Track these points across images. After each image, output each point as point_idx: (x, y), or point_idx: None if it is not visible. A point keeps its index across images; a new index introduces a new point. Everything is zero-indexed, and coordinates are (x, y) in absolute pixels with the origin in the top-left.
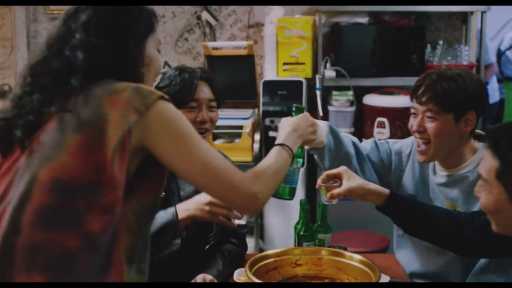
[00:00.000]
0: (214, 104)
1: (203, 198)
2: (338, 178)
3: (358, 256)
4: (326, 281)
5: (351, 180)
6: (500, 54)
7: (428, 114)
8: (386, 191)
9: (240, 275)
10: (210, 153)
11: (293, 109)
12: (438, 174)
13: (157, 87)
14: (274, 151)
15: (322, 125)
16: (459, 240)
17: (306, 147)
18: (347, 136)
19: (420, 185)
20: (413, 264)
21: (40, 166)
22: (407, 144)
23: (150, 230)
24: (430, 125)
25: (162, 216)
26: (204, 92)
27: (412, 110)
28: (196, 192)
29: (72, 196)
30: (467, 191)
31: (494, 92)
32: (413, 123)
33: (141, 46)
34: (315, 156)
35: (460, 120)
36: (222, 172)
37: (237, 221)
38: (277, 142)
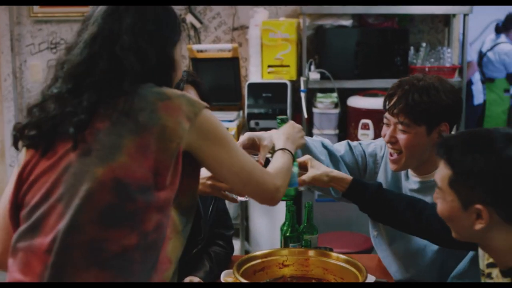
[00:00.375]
0: None
1: (204, 172)
2: (303, 166)
3: (344, 257)
4: (313, 281)
5: (315, 167)
6: (481, 55)
7: (400, 126)
8: (349, 177)
9: (227, 276)
10: (245, 156)
11: (278, 121)
12: (411, 180)
13: None
14: (279, 155)
15: None
16: (420, 226)
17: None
18: (316, 141)
19: (392, 188)
20: (390, 267)
21: (100, 165)
22: (381, 146)
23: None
24: (401, 137)
25: None
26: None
27: (385, 120)
28: None
29: (132, 196)
30: None
31: (478, 94)
32: (385, 132)
33: (174, 52)
34: None
35: (432, 132)
36: (254, 173)
37: (239, 198)
38: (277, 147)
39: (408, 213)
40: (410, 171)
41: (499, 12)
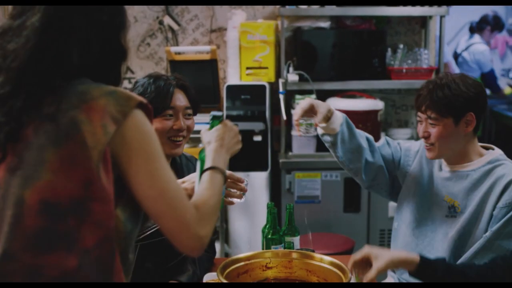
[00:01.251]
0: (190, 111)
1: (191, 177)
2: (367, 261)
3: (328, 258)
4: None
5: (379, 259)
6: (456, 56)
7: (430, 121)
8: (416, 258)
9: (210, 279)
10: (171, 182)
11: (210, 118)
12: (443, 170)
13: None
14: (208, 178)
15: (338, 114)
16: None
17: (320, 131)
18: (361, 131)
19: (425, 178)
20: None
21: (25, 187)
22: (416, 144)
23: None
24: (432, 130)
25: None
26: (180, 99)
27: (418, 118)
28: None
29: (62, 216)
30: (467, 188)
31: None
32: (419, 129)
33: (123, 38)
34: (326, 145)
35: (459, 122)
36: (175, 206)
37: (236, 200)
38: (207, 165)
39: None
40: (443, 162)
41: (473, 14)
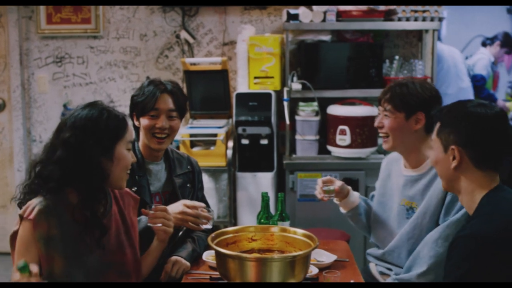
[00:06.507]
0: (174, 114)
1: (176, 208)
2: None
3: (300, 230)
4: (277, 253)
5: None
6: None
7: (385, 113)
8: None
9: (208, 256)
10: None
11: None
12: (401, 174)
13: (131, 97)
14: None
15: (355, 194)
16: None
17: (343, 211)
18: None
19: (388, 186)
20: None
21: None
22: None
23: None
24: (386, 122)
25: (143, 221)
26: (165, 102)
27: (377, 112)
28: (164, 187)
29: None
30: (423, 189)
31: None
32: (376, 120)
33: (110, 150)
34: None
35: (410, 118)
36: None
37: (204, 226)
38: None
39: None
40: (402, 168)
41: (481, 29)
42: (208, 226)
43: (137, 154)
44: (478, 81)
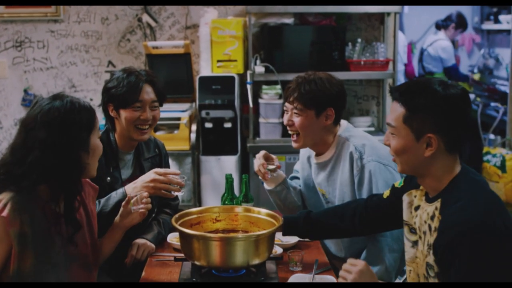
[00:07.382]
0: (156, 104)
1: (147, 177)
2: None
3: (264, 210)
4: (241, 233)
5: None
6: (422, 51)
7: (295, 111)
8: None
9: (172, 237)
10: None
11: None
12: (312, 164)
13: (106, 87)
14: None
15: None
16: (349, 228)
17: (267, 187)
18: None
19: (307, 177)
20: (330, 248)
21: None
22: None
23: None
24: (296, 120)
25: (114, 196)
26: (148, 93)
27: (284, 108)
28: (133, 174)
29: None
30: (328, 175)
31: None
32: (285, 118)
33: (86, 143)
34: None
35: (320, 115)
36: None
37: (176, 193)
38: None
39: (338, 222)
40: (312, 157)
41: (441, 12)
42: (181, 193)
43: (113, 144)
44: (453, 70)
